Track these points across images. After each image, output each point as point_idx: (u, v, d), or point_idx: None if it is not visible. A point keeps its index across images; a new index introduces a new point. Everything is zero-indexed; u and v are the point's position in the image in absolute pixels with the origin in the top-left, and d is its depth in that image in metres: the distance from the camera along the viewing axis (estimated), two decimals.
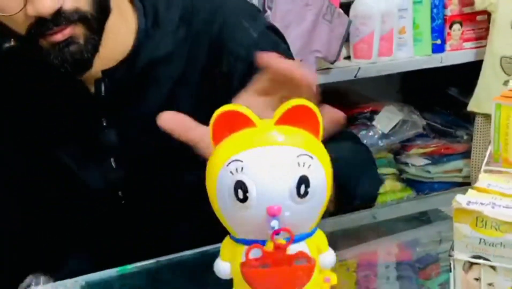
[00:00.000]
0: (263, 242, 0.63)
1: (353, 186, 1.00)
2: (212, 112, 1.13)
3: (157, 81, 1.09)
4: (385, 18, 1.93)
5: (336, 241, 0.94)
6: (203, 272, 0.92)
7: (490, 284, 0.75)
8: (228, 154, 0.63)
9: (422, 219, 1.14)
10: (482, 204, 0.74)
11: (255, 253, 0.63)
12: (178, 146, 1.09)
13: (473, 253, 0.75)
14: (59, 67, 0.98)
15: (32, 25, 0.94)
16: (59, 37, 0.95)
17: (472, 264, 0.76)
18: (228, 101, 1.09)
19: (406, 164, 2.15)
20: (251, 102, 0.90)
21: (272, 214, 0.61)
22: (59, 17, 0.94)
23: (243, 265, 0.64)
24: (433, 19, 2.03)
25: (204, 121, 1.11)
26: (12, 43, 1.15)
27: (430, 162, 2.14)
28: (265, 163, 0.62)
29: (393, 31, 1.96)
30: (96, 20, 0.99)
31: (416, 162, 2.14)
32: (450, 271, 0.77)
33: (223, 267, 0.67)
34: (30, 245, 1.15)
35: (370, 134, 2.05)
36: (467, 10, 2.08)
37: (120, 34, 1.06)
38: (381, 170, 2.10)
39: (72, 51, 0.96)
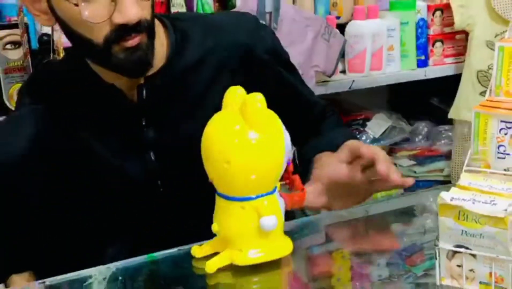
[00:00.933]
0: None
1: None
2: None
3: (189, 86, 1.11)
4: (376, 37, 1.93)
5: (333, 232, 0.95)
6: None
7: (471, 270, 0.76)
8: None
9: (408, 213, 1.14)
10: (463, 200, 0.74)
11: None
12: None
13: (455, 243, 0.76)
14: (127, 70, 1.01)
15: (113, 31, 0.96)
16: (131, 43, 0.98)
17: (455, 252, 0.76)
18: None
19: (395, 164, 2.13)
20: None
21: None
22: (137, 26, 0.96)
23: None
24: (417, 38, 2.03)
25: None
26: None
27: (415, 163, 2.14)
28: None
29: (382, 48, 1.96)
30: (153, 31, 1.02)
31: (403, 163, 2.14)
32: (436, 258, 0.78)
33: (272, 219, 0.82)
34: (77, 233, 1.13)
35: (363, 138, 2.04)
36: (447, 30, 2.08)
37: (156, 49, 1.07)
38: None
39: (140, 55, 0.99)
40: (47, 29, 1.61)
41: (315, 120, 1.24)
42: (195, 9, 1.78)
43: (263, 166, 0.82)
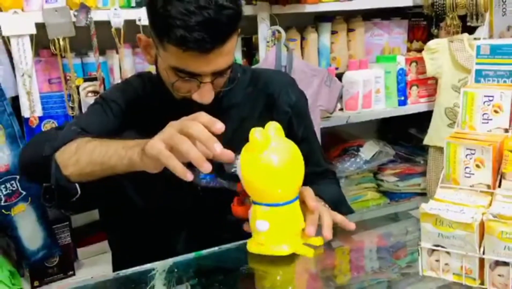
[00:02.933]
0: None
1: (341, 210, 1.01)
2: None
3: (231, 117, 1.11)
4: (366, 83, 1.93)
5: (335, 233, 0.94)
6: (251, 254, 0.93)
7: (446, 264, 0.75)
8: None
9: (393, 218, 1.12)
10: (439, 209, 0.74)
11: None
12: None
13: (434, 243, 0.76)
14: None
15: (187, 98, 0.99)
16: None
17: (433, 250, 0.76)
18: None
19: (382, 180, 2.13)
20: None
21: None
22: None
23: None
24: (398, 83, 2.02)
25: None
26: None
27: (398, 179, 2.11)
28: None
29: (371, 91, 1.96)
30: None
31: (389, 179, 2.11)
32: (419, 255, 0.77)
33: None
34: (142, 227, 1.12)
35: (357, 160, 2.03)
36: (421, 76, 2.07)
37: None
38: (365, 185, 2.09)
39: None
40: (118, 80, 1.64)
41: (315, 174, 1.17)
42: None
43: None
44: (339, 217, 0.94)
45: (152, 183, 1.12)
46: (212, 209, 1.12)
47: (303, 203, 0.92)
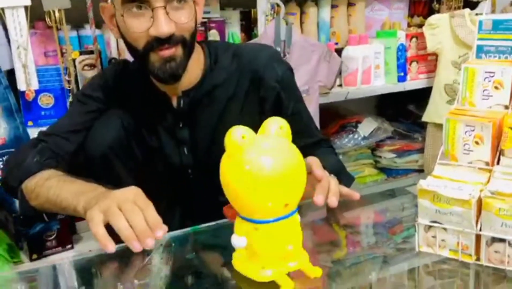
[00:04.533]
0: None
1: (342, 180, 1.00)
2: (252, 123, 1.14)
3: (216, 99, 1.10)
4: (365, 59, 1.91)
5: (334, 209, 0.94)
6: None
7: (443, 240, 0.76)
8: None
9: (390, 194, 1.13)
10: (437, 186, 0.74)
11: None
12: None
13: (431, 219, 0.76)
14: (159, 76, 0.99)
15: (149, 42, 0.96)
16: (165, 53, 0.97)
17: (430, 226, 0.76)
18: (261, 118, 1.10)
19: (380, 157, 2.13)
20: None
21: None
22: (170, 39, 0.96)
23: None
24: (398, 59, 2.00)
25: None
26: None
27: (396, 155, 2.11)
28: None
29: (371, 67, 1.94)
30: (189, 48, 1.00)
31: (387, 156, 2.11)
32: (415, 231, 0.78)
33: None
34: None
35: (355, 137, 2.03)
36: (421, 52, 2.05)
37: (195, 68, 1.08)
38: (363, 161, 2.09)
39: (171, 66, 0.98)
40: (115, 54, 1.63)
41: (309, 146, 1.16)
42: (226, 38, 1.78)
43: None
44: (344, 190, 0.93)
45: (143, 164, 1.13)
46: (203, 190, 1.13)
47: (309, 174, 0.92)
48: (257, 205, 0.65)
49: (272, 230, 0.67)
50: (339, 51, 1.89)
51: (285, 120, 0.71)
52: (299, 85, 1.22)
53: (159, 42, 0.95)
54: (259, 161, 0.63)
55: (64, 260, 0.96)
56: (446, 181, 0.75)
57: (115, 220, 0.78)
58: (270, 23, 1.71)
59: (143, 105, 1.11)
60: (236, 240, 0.69)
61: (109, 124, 1.10)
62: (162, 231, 0.77)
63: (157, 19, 0.93)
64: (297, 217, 0.70)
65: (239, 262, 0.73)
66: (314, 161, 0.91)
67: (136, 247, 0.76)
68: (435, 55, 2.02)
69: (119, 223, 0.77)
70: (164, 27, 0.94)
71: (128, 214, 0.78)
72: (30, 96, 1.50)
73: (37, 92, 1.52)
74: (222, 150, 1.13)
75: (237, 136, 0.65)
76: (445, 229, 0.74)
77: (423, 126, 2.11)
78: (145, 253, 0.84)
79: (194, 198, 1.17)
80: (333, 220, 0.99)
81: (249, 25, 1.84)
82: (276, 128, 0.68)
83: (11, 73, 1.50)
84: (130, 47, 1.01)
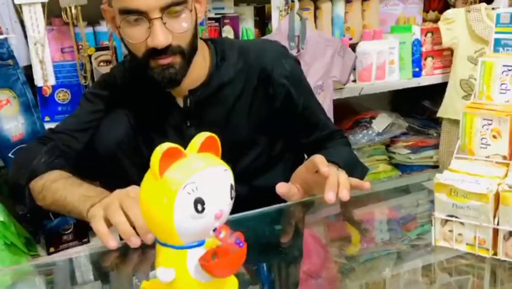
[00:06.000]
0: (202, 242, 0.57)
1: (355, 172, 1.00)
2: (260, 121, 1.13)
3: (224, 97, 1.10)
4: (380, 54, 1.89)
5: (347, 205, 0.94)
6: (260, 225, 0.94)
7: (459, 234, 0.75)
8: (182, 179, 0.55)
9: (405, 190, 1.13)
10: (454, 180, 0.74)
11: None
12: (236, 140, 1.10)
13: (447, 213, 0.75)
14: (158, 82, 1.00)
15: (148, 51, 0.96)
16: (163, 61, 0.98)
17: (447, 220, 0.76)
18: (270, 115, 1.10)
19: (394, 153, 2.11)
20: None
21: (219, 217, 0.56)
22: (167, 50, 0.96)
23: (204, 263, 0.56)
24: (413, 54, 1.98)
25: (254, 126, 1.11)
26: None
27: (410, 151, 2.10)
28: (211, 180, 0.56)
29: (385, 62, 1.92)
30: (189, 55, 1.00)
31: (401, 152, 2.10)
32: (432, 225, 0.77)
33: (169, 272, 0.57)
34: None
35: (369, 132, 2.02)
36: (437, 47, 2.02)
37: (201, 66, 1.07)
38: (377, 157, 2.07)
39: (170, 72, 0.99)
40: None
41: (323, 139, 1.16)
42: (240, 34, 1.78)
43: (152, 215, 0.57)
44: (353, 182, 0.93)
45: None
46: None
47: (316, 172, 0.92)
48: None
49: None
50: (353, 47, 1.88)
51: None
52: (313, 80, 1.22)
53: (156, 52, 0.96)
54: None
55: (80, 253, 0.97)
56: (463, 175, 0.74)
57: (114, 215, 0.79)
58: (284, 19, 1.71)
59: (151, 103, 1.11)
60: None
61: (117, 122, 1.10)
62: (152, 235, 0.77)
63: (154, 30, 0.93)
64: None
65: None
66: (319, 159, 0.91)
67: (133, 242, 0.78)
68: (451, 50, 2.00)
69: (117, 218, 0.79)
70: (161, 39, 0.94)
71: (128, 210, 0.80)
72: (47, 91, 1.51)
73: (54, 88, 1.53)
74: (231, 148, 1.14)
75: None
76: (462, 223, 0.74)
77: (438, 122, 2.09)
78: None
79: None
80: (347, 216, 0.99)
81: (263, 21, 1.83)
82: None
83: (28, 69, 1.52)
84: (130, 52, 1.02)
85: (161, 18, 0.93)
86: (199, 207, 0.55)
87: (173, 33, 0.95)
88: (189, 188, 0.55)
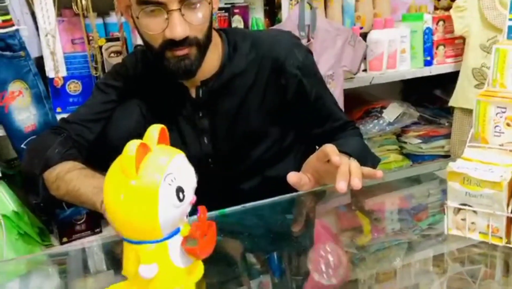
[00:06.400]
0: (178, 230, 0.60)
1: (366, 162, 0.99)
2: (272, 112, 1.13)
3: (236, 88, 1.10)
4: (391, 43, 1.88)
5: (357, 195, 0.94)
6: (272, 214, 0.94)
7: (472, 223, 0.75)
8: (161, 172, 0.56)
9: (416, 180, 1.12)
10: (467, 168, 0.73)
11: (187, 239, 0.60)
12: (248, 130, 1.10)
13: (460, 202, 0.75)
14: (173, 72, 1.00)
15: (165, 42, 0.97)
16: (180, 52, 0.98)
17: (459, 209, 0.75)
18: (282, 105, 1.10)
19: (405, 142, 2.10)
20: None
21: (193, 202, 0.60)
22: (184, 41, 0.96)
23: (190, 248, 0.59)
24: (424, 43, 1.97)
25: (266, 116, 1.11)
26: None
27: (421, 141, 2.08)
28: (183, 168, 0.59)
29: (396, 51, 1.91)
30: (204, 46, 1.00)
31: (412, 141, 2.08)
32: (445, 214, 0.77)
33: (153, 268, 0.58)
34: None
35: (380, 122, 2.01)
36: (448, 36, 2.01)
37: (213, 57, 1.07)
38: (388, 147, 2.06)
39: (186, 63, 0.99)
40: (140, 41, 1.63)
41: (334, 130, 1.16)
42: (250, 24, 1.77)
43: (133, 214, 0.57)
44: (366, 170, 0.92)
45: None
46: (223, 179, 1.13)
47: (327, 162, 0.91)
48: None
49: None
50: (364, 35, 1.87)
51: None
52: (324, 70, 1.21)
53: (173, 44, 0.96)
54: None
55: (93, 243, 0.97)
56: (477, 164, 0.74)
57: None
58: (294, 8, 1.70)
59: (163, 94, 1.11)
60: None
61: (128, 113, 1.11)
62: None
63: (172, 22, 0.93)
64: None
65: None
66: (330, 148, 0.91)
67: None
68: (463, 38, 1.97)
69: None
70: (179, 31, 0.94)
71: None
72: (59, 83, 1.52)
73: (65, 79, 1.54)
74: (243, 139, 1.14)
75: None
76: (475, 212, 0.73)
77: (449, 111, 2.07)
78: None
79: (215, 186, 1.17)
80: (358, 206, 0.98)
81: (273, 10, 1.82)
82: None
83: (39, 60, 1.52)
84: (146, 43, 1.02)
85: (180, 9, 0.93)
86: (181, 195, 0.57)
87: (191, 25, 0.96)
88: (169, 179, 0.56)
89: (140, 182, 0.56)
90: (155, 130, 0.61)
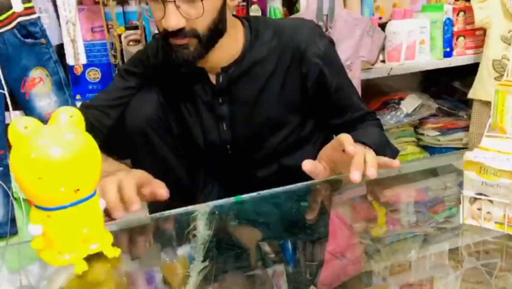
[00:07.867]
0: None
1: (385, 153, 0.99)
2: (291, 100, 1.13)
3: (256, 75, 1.10)
4: (410, 34, 1.86)
5: (373, 187, 0.94)
6: (287, 202, 0.94)
7: (488, 213, 0.74)
8: None
9: (433, 172, 1.10)
10: (484, 157, 0.72)
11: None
12: (267, 118, 1.10)
13: (477, 191, 0.74)
14: (173, 60, 1.01)
15: (164, 30, 0.98)
16: (178, 42, 0.99)
17: (475, 199, 0.74)
18: (302, 94, 1.10)
19: (423, 134, 2.08)
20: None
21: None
22: (179, 32, 0.97)
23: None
24: (444, 34, 1.94)
25: (285, 105, 1.11)
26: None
27: (439, 133, 2.06)
28: None
29: (415, 42, 1.89)
30: (207, 40, 1.00)
31: (430, 133, 2.07)
32: (460, 203, 0.76)
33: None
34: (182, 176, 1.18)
35: (398, 114, 1.99)
36: (469, 27, 1.98)
37: (233, 44, 1.07)
38: (405, 139, 2.05)
39: (184, 53, 1.00)
40: None
41: (354, 120, 1.15)
42: (268, 13, 1.77)
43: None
44: (382, 160, 0.92)
45: (181, 139, 1.15)
46: (241, 165, 1.13)
47: (343, 151, 0.91)
48: (45, 193, 0.65)
49: (63, 216, 0.67)
50: (383, 26, 1.85)
51: (76, 109, 0.69)
52: (342, 60, 1.19)
53: (169, 33, 0.97)
54: (43, 148, 0.63)
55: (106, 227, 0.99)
56: (494, 153, 0.73)
57: (106, 184, 0.84)
58: None
59: (183, 80, 1.12)
60: (32, 228, 0.69)
61: (147, 99, 1.12)
62: (136, 206, 0.83)
63: (166, 13, 0.95)
64: (93, 201, 0.70)
65: (38, 248, 0.72)
66: (345, 138, 0.90)
67: (117, 215, 0.82)
68: (483, 29, 1.94)
69: (107, 187, 0.84)
70: (172, 22, 0.95)
71: (122, 183, 0.85)
72: (79, 70, 1.54)
73: (85, 67, 1.56)
74: (261, 126, 1.14)
75: (19, 126, 0.63)
76: (491, 201, 0.73)
77: (468, 103, 2.05)
78: (189, 219, 0.86)
79: (232, 173, 1.18)
80: (373, 196, 0.98)
81: (290, 0, 1.81)
82: (66, 117, 0.68)
83: (60, 48, 1.54)
84: (157, 29, 1.04)
85: (174, 1, 0.94)
86: None
87: (187, 18, 0.96)
88: None
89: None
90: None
